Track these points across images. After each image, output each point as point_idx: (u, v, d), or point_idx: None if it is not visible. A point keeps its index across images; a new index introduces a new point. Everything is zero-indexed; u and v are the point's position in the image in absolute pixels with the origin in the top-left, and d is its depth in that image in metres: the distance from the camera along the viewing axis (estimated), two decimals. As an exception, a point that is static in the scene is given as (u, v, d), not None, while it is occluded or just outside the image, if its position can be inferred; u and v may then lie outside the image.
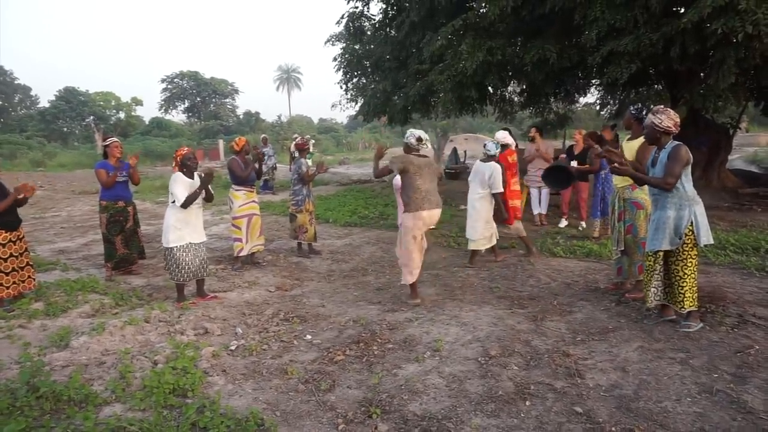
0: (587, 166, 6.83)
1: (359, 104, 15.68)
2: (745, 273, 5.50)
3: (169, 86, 56.54)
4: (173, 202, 4.93)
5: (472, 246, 6.30)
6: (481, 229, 6.17)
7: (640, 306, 4.45)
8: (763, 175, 12.58)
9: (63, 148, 38.14)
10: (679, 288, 3.87)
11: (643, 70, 8.52)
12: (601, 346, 3.74)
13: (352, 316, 4.63)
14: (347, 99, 16.50)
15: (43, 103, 52.02)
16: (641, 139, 4.49)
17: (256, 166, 6.65)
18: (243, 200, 6.49)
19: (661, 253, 3.93)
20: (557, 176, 5.95)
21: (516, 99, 15.97)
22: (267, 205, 11.87)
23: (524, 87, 13.86)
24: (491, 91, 13.48)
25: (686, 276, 3.84)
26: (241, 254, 6.47)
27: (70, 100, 46.63)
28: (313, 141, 17.97)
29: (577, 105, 20.15)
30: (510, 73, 11.69)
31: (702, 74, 9.04)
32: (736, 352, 3.51)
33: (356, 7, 14.80)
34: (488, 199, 6.13)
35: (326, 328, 4.42)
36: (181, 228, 4.96)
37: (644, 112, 4.47)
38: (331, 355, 3.81)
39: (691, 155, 3.81)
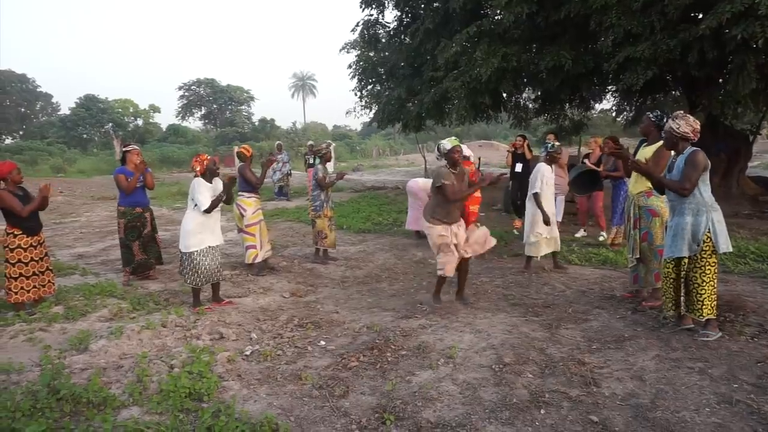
0: (616, 172, 6.85)
1: (374, 111, 15.78)
2: (766, 282, 5.40)
3: (186, 93, 57.29)
4: (195, 206, 4.99)
5: (525, 251, 6.32)
6: (529, 233, 6.16)
7: (657, 314, 4.39)
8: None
9: (82, 155, 38.80)
10: (698, 296, 3.81)
11: (659, 77, 8.48)
12: (617, 355, 3.70)
13: (366, 323, 4.64)
14: (362, 106, 16.63)
15: (64, 110, 53.00)
16: (657, 145, 4.46)
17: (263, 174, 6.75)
18: (255, 207, 6.55)
19: (681, 261, 3.89)
20: (584, 181, 5.95)
21: (531, 106, 15.95)
22: (281, 211, 11.97)
23: (539, 93, 13.84)
24: (506, 97, 13.48)
25: (705, 284, 3.78)
26: (257, 260, 6.52)
27: (89, 107, 47.47)
28: (333, 145, 17.95)
29: (593, 112, 20.04)
30: (525, 80, 11.69)
31: (720, 80, 8.94)
32: (756, 362, 3.45)
33: (371, 15, 14.95)
34: (532, 202, 6.08)
35: (340, 334, 4.43)
36: (202, 231, 5.03)
37: (664, 119, 4.38)
38: (345, 362, 3.82)
39: (708, 161, 3.76)
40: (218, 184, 5.19)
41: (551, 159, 6.17)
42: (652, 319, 4.36)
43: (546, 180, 6.05)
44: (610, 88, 13.22)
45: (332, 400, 3.25)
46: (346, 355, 3.93)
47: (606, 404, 3.03)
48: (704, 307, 3.80)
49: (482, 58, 9.63)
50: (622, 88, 9.10)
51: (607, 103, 23.28)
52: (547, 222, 5.98)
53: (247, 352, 4.04)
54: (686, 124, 3.77)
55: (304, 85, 78.92)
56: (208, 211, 4.97)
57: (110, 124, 48.24)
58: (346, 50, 16.70)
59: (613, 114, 17.60)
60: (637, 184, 4.64)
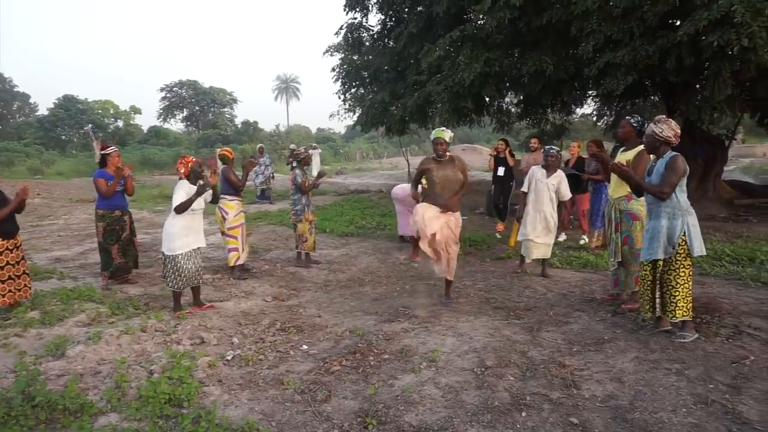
0: (597, 175, 6.92)
1: (357, 114, 15.78)
2: (741, 284, 5.52)
3: (168, 95, 56.65)
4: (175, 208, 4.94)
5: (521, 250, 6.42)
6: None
7: (636, 316, 4.46)
8: (759, 185, 12.66)
9: (61, 156, 38.11)
10: (671, 298, 3.87)
11: (639, 82, 8.62)
12: (597, 357, 3.74)
13: (349, 327, 4.63)
14: (345, 109, 16.62)
15: (42, 110, 52.03)
16: (636, 150, 4.53)
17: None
18: (237, 210, 6.52)
19: (657, 263, 3.96)
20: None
21: (513, 110, 16.08)
22: (264, 215, 11.88)
23: (521, 98, 13.97)
24: (488, 101, 13.59)
25: (679, 286, 3.85)
26: (239, 263, 6.49)
27: (68, 108, 46.63)
28: (320, 150, 17.77)
29: (574, 116, 20.28)
30: (507, 84, 11.79)
31: (697, 86, 9.12)
32: (731, 362, 3.52)
33: (355, 18, 14.97)
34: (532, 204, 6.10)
35: (322, 338, 4.41)
36: (187, 234, 4.99)
37: (645, 124, 4.45)
38: (327, 366, 3.80)
39: (687, 167, 3.83)
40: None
41: (546, 162, 6.07)
42: (631, 322, 4.42)
43: (537, 182, 6.02)
44: (591, 93, 13.40)
45: (314, 404, 3.24)
46: (328, 360, 3.91)
47: (586, 406, 3.07)
48: (678, 308, 3.86)
49: (465, 62, 9.71)
50: (602, 93, 9.24)
51: (588, 108, 23.61)
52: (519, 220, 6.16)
53: (229, 357, 4.01)
54: (669, 128, 3.84)
55: (287, 88, 78.62)
56: (177, 211, 4.89)
57: (90, 126, 47.42)
58: (330, 53, 16.62)
59: (594, 119, 17.83)
60: (617, 189, 4.70)
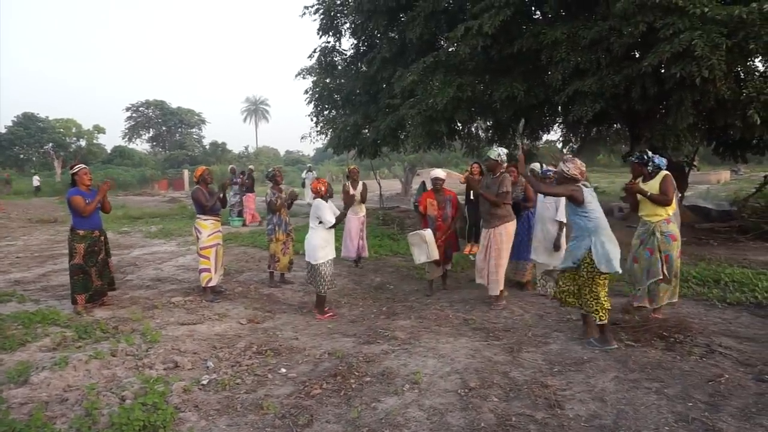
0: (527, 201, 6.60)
1: (329, 137, 15.78)
2: (708, 304, 5.69)
3: (134, 115, 55.71)
4: (320, 223, 5.60)
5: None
6: None
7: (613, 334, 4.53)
8: (716, 210, 13.15)
9: (19, 175, 36.79)
10: (588, 305, 4.37)
11: (605, 110, 8.91)
12: (578, 377, 3.77)
13: (328, 349, 4.55)
14: (317, 131, 16.60)
15: (-1, 128, 50.12)
16: (660, 176, 4.91)
17: (221, 195, 6.61)
18: (210, 230, 6.40)
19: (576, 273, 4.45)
20: None
21: (483, 135, 16.39)
22: (234, 236, 11.67)
23: (491, 123, 14.25)
24: (460, 126, 13.81)
25: (592, 294, 4.33)
26: (211, 284, 6.33)
27: (28, 126, 45.17)
28: (314, 172, 17.57)
29: (539, 142, 20.80)
30: (478, 110, 12.03)
31: (658, 116, 9.51)
32: (707, 381, 3.60)
33: (328, 42, 15.07)
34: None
35: (301, 361, 4.31)
36: (326, 246, 5.67)
37: (645, 157, 5.02)
38: (307, 389, 3.71)
39: (584, 195, 4.33)
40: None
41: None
42: (607, 342, 4.47)
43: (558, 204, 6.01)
44: (559, 119, 13.78)
45: (296, 429, 3.15)
46: (308, 383, 3.82)
47: (571, 426, 3.07)
48: (597, 312, 4.30)
49: (438, 87, 9.88)
50: (571, 120, 9.52)
51: (554, 134, 24.30)
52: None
53: (204, 382, 3.87)
54: (575, 167, 4.41)
55: (256, 110, 78.37)
56: (332, 226, 5.66)
57: (50, 144, 46.08)
58: (302, 76, 16.62)
59: (560, 145, 18.32)
60: (655, 212, 4.95)
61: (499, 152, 5.91)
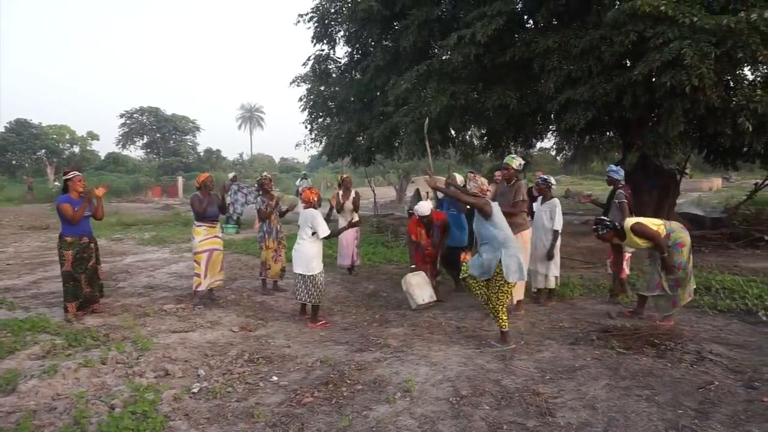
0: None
1: (323, 144, 15.80)
2: (699, 311, 5.72)
3: (128, 121, 55.51)
4: (314, 234, 5.60)
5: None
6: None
7: (605, 346, 4.54)
8: (708, 218, 13.25)
9: (11, 182, 36.56)
10: (494, 311, 4.70)
11: (597, 118, 8.98)
12: (570, 385, 3.77)
13: (319, 357, 4.54)
14: (311, 139, 16.62)
15: (-8, 134, 49.77)
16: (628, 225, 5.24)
17: (221, 199, 6.66)
18: (203, 236, 6.40)
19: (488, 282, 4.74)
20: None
21: (476, 142, 16.48)
22: (228, 243, 11.62)
23: (484, 131, 14.33)
24: (453, 134, 13.88)
25: (498, 302, 4.66)
26: (199, 289, 6.31)
27: (20, 132, 44.93)
28: (309, 180, 17.53)
29: (533, 150, 20.93)
30: (471, 117, 12.09)
31: (650, 123, 9.59)
32: (697, 388, 3.62)
33: (323, 50, 15.11)
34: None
35: (293, 369, 4.30)
36: (319, 256, 5.72)
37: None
38: (299, 397, 3.70)
39: (493, 210, 4.71)
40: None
41: (541, 191, 6.29)
42: (599, 349, 4.49)
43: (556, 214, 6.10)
44: (552, 127, 13.87)
45: (287, 438, 3.13)
46: (299, 391, 3.81)
47: (562, 434, 3.07)
48: (499, 320, 4.67)
49: (432, 95, 9.93)
50: (564, 128, 9.58)
51: (548, 142, 24.43)
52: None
53: (195, 390, 3.84)
54: (476, 186, 4.91)
55: (251, 117, 78.41)
56: (329, 237, 5.73)
57: (43, 151, 45.86)
58: (296, 83, 16.63)
59: (553, 153, 18.43)
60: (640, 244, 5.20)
61: (520, 161, 6.02)
